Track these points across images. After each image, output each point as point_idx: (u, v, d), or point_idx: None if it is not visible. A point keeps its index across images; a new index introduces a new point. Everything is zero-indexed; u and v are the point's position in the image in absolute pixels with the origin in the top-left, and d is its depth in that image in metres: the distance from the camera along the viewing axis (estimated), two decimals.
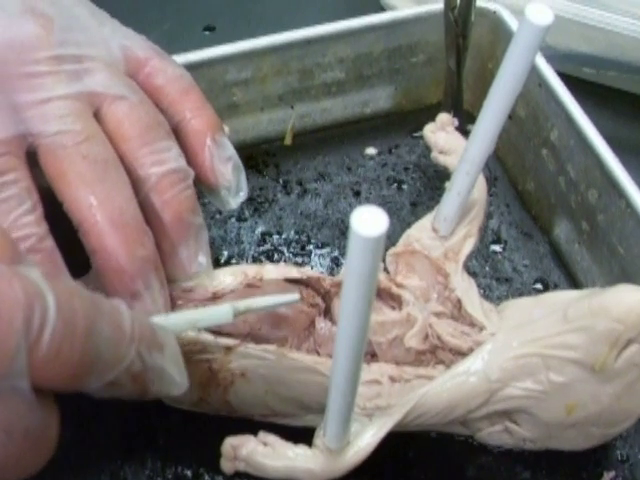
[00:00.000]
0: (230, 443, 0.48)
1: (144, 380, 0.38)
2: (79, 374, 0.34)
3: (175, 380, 0.41)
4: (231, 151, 0.52)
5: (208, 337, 0.49)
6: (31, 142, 0.46)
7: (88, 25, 0.50)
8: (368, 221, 0.30)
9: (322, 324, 0.52)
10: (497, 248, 0.64)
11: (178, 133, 0.51)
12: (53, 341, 0.32)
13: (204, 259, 0.50)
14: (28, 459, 0.34)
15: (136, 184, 0.47)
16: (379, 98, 0.73)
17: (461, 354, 0.50)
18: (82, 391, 0.35)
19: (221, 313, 0.44)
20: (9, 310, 0.31)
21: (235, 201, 0.52)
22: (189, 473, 0.52)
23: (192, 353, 0.49)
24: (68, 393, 0.35)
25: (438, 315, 0.52)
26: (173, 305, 0.49)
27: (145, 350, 0.37)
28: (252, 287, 0.51)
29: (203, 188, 0.52)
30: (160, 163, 0.48)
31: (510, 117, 0.67)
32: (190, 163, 0.50)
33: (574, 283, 0.63)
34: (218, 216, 0.65)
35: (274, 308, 0.49)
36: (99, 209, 0.45)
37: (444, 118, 0.61)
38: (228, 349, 0.49)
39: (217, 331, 0.50)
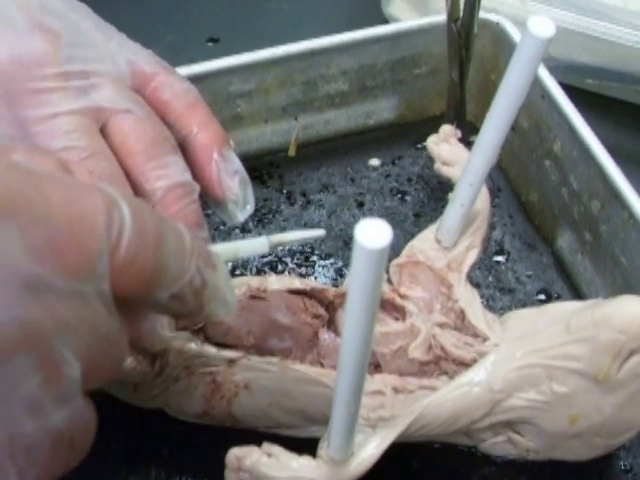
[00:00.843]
0: (234, 454, 0.48)
1: (202, 296, 0.39)
2: (151, 282, 0.35)
3: (227, 300, 0.41)
4: (238, 165, 0.52)
5: (212, 350, 0.49)
6: None
7: (95, 40, 0.50)
8: (372, 233, 0.31)
9: (326, 335, 0.52)
10: (500, 259, 0.64)
11: (185, 147, 0.51)
12: (129, 247, 0.33)
13: None
14: (107, 364, 0.35)
15: (141, 198, 0.48)
16: (382, 109, 0.73)
17: (464, 365, 0.50)
18: (152, 303, 0.37)
19: (259, 245, 0.46)
20: (92, 215, 0.32)
21: (242, 214, 0.53)
22: None
23: (196, 366, 0.50)
24: (139, 302, 0.36)
25: (441, 326, 0.52)
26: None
27: (203, 266, 0.38)
28: (256, 298, 0.51)
29: (210, 202, 0.53)
30: (166, 177, 0.48)
31: (513, 128, 0.67)
32: (197, 177, 0.51)
33: (577, 294, 0.63)
34: (222, 227, 0.65)
35: (304, 241, 0.51)
36: None
37: (447, 130, 0.61)
38: (231, 361, 0.49)
39: (221, 343, 0.50)
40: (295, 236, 0.48)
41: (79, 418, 0.33)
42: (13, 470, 0.30)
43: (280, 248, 0.64)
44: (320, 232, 0.49)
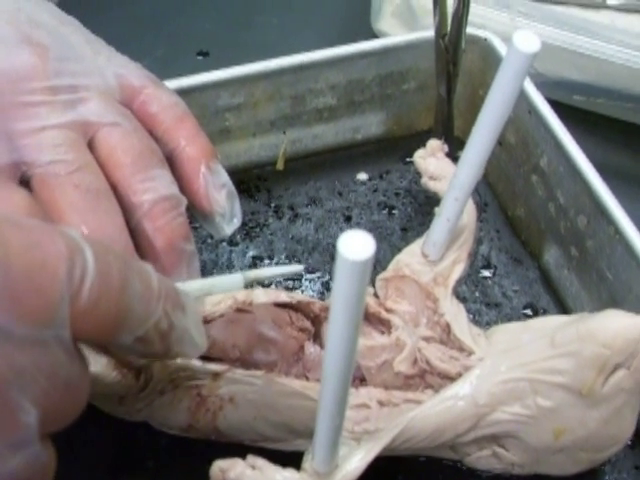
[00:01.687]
0: (218, 466, 0.47)
1: (169, 339, 0.39)
2: (114, 326, 0.35)
3: (195, 341, 0.41)
4: (225, 178, 0.53)
5: (197, 363, 0.49)
6: (24, 171, 0.46)
7: (83, 54, 0.50)
8: (355, 245, 0.31)
9: (311, 349, 0.52)
10: (487, 273, 0.65)
11: (172, 160, 0.51)
12: (92, 293, 0.33)
13: None
14: (67, 409, 0.35)
15: (129, 211, 0.48)
16: (370, 124, 0.73)
17: (450, 378, 0.50)
18: (115, 346, 0.37)
19: (233, 281, 0.46)
20: (53, 261, 0.32)
21: (229, 228, 0.53)
22: None
23: (181, 379, 0.50)
24: (101, 346, 0.37)
25: (427, 340, 0.52)
26: None
27: (170, 309, 0.38)
28: (242, 311, 0.51)
29: (197, 215, 0.53)
30: (153, 190, 0.48)
31: (500, 143, 0.67)
32: (184, 190, 0.51)
33: (563, 308, 0.63)
34: (209, 240, 0.65)
35: (281, 277, 0.51)
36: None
37: (434, 144, 0.62)
38: (216, 375, 0.49)
39: (206, 357, 0.50)
40: (272, 272, 0.48)
41: (36, 462, 0.33)
42: None
43: (267, 261, 0.64)
44: (298, 267, 0.49)
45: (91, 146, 0.48)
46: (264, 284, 0.62)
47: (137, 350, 0.38)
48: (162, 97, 0.52)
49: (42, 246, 0.32)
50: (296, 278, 0.63)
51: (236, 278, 0.46)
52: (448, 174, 0.58)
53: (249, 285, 0.46)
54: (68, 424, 0.35)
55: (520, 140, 0.66)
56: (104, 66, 0.51)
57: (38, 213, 0.39)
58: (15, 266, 0.31)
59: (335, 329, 0.34)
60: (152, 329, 0.37)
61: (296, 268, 0.49)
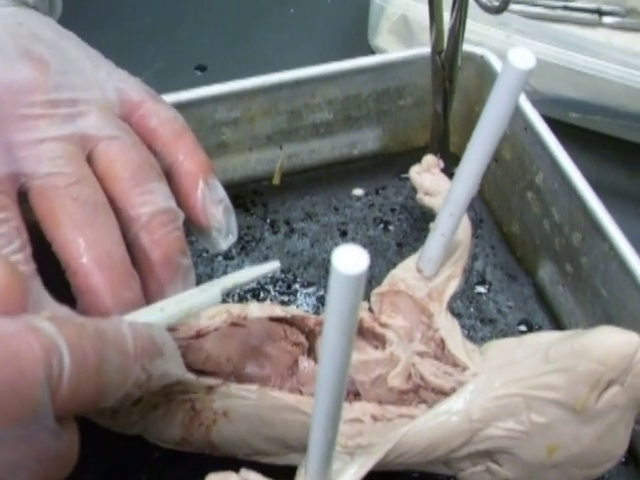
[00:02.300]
0: None
1: (149, 386, 0.40)
2: (94, 401, 0.36)
3: (173, 375, 0.43)
4: (222, 193, 0.53)
5: (191, 377, 0.49)
6: (23, 182, 0.46)
7: (83, 68, 0.51)
8: (349, 259, 0.31)
9: (305, 363, 0.52)
10: (482, 289, 0.65)
11: (170, 175, 0.52)
12: (71, 383, 0.34)
13: None
14: (56, 474, 0.36)
15: (126, 224, 0.48)
16: (367, 140, 0.73)
17: (444, 394, 0.50)
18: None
19: (210, 297, 0.46)
20: (31, 367, 0.33)
21: (225, 243, 0.53)
22: None
23: (174, 393, 0.50)
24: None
25: (421, 355, 0.52)
26: None
27: (148, 362, 0.39)
28: (237, 326, 0.51)
29: (194, 230, 0.53)
30: (151, 203, 0.48)
31: (496, 160, 0.68)
32: (182, 205, 0.51)
33: (558, 325, 0.63)
34: (205, 254, 0.65)
35: (258, 279, 0.52)
36: (87, 251, 0.45)
37: (430, 160, 0.62)
38: (210, 389, 0.49)
39: (200, 370, 0.50)
40: (248, 275, 0.49)
41: None
42: None
43: (263, 277, 0.64)
44: (274, 265, 0.50)
45: (90, 159, 0.49)
46: (259, 298, 0.62)
47: (120, 402, 0.39)
48: (161, 112, 0.53)
49: (19, 355, 0.33)
50: (291, 293, 0.63)
51: (212, 293, 0.47)
52: (443, 190, 0.59)
53: (226, 294, 0.47)
54: None
55: (516, 157, 0.66)
56: (104, 80, 0.51)
57: (16, 291, 0.37)
58: None
59: (329, 343, 0.34)
60: (131, 388, 0.39)
61: (272, 266, 0.50)
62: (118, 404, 0.39)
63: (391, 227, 0.69)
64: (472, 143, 0.48)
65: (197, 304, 0.46)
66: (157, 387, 0.42)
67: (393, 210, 0.70)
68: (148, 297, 0.48)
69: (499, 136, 0.47)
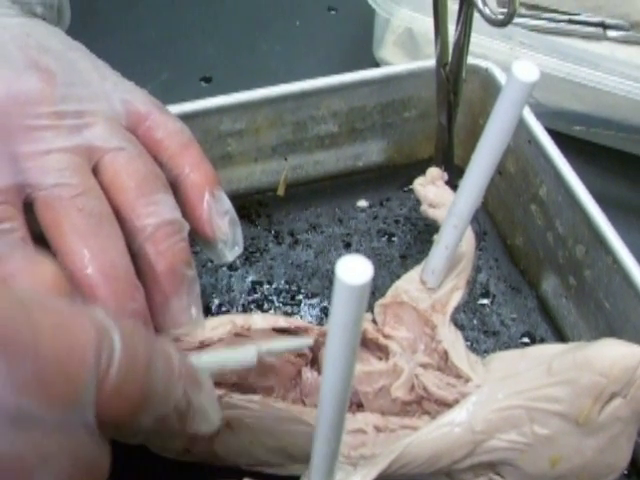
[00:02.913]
0: None
1: (186, 418, 0.39)
2: (137, 409, 0.35)
3: (211, 418, 0.42)
4: (228, 205, 0.53)
5: None
6: (29, 193, 0.46)
7: (90, 79, 0.51)
8: (353, 270, 0.31)
9: (309, 374, 0.52)
10: (485, 302, 0.65)
11: (176, 187, 0.52)
12: (118, 377, 0.33)
13: (195, 311, 0.50)
14: None
15: (131, 235, 0.48)
16: (371, 152, 0.73)
17: (447, 405, 0.50)
18: (134, 428, 0.37)
19: (246, 357, 0.45)
20: (82, 346, 0.32)
21: (231, 254, 0.53)
22: None
23: None
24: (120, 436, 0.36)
25: (424, 366, 0.52)
26: None
27: (189, 388, 0.39)
28: (240, 336, 0.51)
29: (199, 241, 0.53)
30: (156, 214, 0.48)
31: (500, 173, 0.68)
32: (188, 216, 0.51)
33: (561, 337, 0.63)
34: (209, 264, 0.65)
35: (290, 350, 0.51)
36: (92, 261, 0.45)
37: (434, 172, 0.62)
38: None
39: None
40: (283, 345, 0.49)
41: None
42: None
43: (267, 286, 0.64)
44: (308, 341, 0.50)
45: (96, 170, 0.49)
46: (263, 308, 0.62)
47: (156, 428, 0.38)
48: (167, 123, 0.53)
49: (71, 331, 0.32)
50: (295, 304, 0.64)
51: (250, 354, 0.46)
52: (447, 202, 0.59)
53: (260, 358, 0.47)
54: None
55: (520, 170, 0.66)
56: (111, 91, 0.51)
57: (64, 287, 0.39)
58: (44, 351, 0.31)
59: (332, 353, 0.35)
60: (172, 410, 0.38)
61: (306, 342, 0.50)
62: (149, 429, 0.37)
63: (395, 239, 0.69)
64: (476, 155, 0.48)
65: (232, 359, 0.46)
66: (190, 431, 0.41)
67: (397, 222, 0.70)
68: (152, 308, 0.48)
69: (503, 148, 0.47)
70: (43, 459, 0.31)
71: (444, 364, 0.52)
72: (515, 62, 0.43)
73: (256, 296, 0.64)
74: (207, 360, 0.44)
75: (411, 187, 0.64)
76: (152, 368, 0.35)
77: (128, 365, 0.34)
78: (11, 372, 0.30)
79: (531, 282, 0.66)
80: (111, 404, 0.34)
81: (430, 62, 0.65)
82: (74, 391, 0.32)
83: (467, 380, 0.51)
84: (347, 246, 0.68)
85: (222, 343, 0.50)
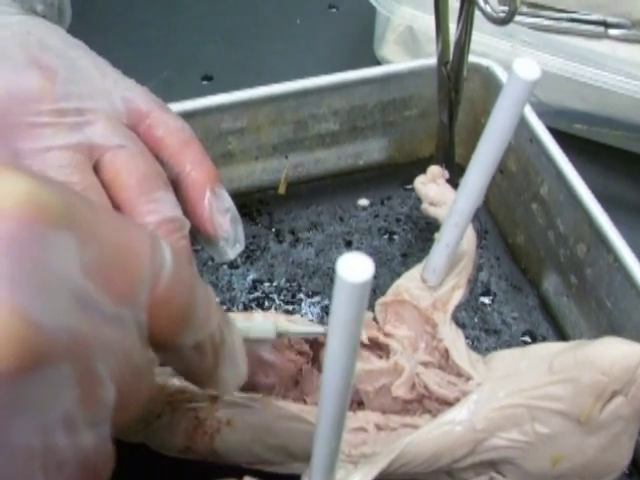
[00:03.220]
0: None
1: (220, 354, 0.40)
2: (182, 323, 0.36)
3: (239, 366, 0.43)
4: (229, 203, 0.53)
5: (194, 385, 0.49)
6: None
7: (91, 77, 0.51)
8: (354, 267, 0.31)
9: (310, 372, 0.52)
10: (486, 300, 0.65)
11: (178, 184, 0.52)
12: (168, 284, 0.35)
13: None
14: (135, 400, 0.36)
15: None
16: (372, 150, 0.73)
17: (448, 404, 0.50)
18: (175, 350, 0.37)
19: (267, 329, 0.48)
20: (139, 245, 0.34)
21: (232, 252, 0.53)
22: None
23: (179, 402, 0.50)
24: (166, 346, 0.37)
25: (425, 365, 0.52)
26: None
27: (223, 325, 0.40)
28: None
29: (200, 239, 0.53)
30: (157, 212, 0.48)
31: (501, 171, 0.68)
32: (189, 214, 0.51)
33: (562, 336, 0.63)
34: (210, 263, 0.65)
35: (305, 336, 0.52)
36: None
37: (435, 170, 0.62)
38: (214, 397, 0.49)
39: None
40: (300, 329, 0.50)
41: (104, 447, 0.34)
42: None
43: (267, 285, 0.64)
44: (321, 329, 0.51)
45: (97, 168, 0.48)
46: (263, 307, 0.62)
47: (191, 360, 0.39)
48: (169, 121, 0.53)
49: (130, 231, 0.34)
50: (295, 302, 0.64)
51: (269, 327, 0.48)
52: (448, 200, 0.59)
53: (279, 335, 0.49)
54: (133, 417, 0.36)
55: (521, 168, 0.66)
56: (111, 89, 0.51)
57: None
58: (107, 244, 0.33)
59: (333, 351, 0.34)
60: (209, 338, 0.39)
61: (320, 330, 0.51)
62: (188, 357, 0.38)
63: (396, 237, 0.69)
64: (477, 153, 0.48)
65: (254, 328, 0.48)
66: (219, 380, 0.41)
67: (398, 220, 0.70)
68: None
69: (504, 146, 0.47)
70: (102, 345, 0.32)
71: (445, 362, 0.52)
72: (516, 60, 0.43)
73: (257, 294, 0.64)
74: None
75: (412, 185, 0.64)
76: (195, 287, 0.37)
77: (177, 276, 0.35)
78: (79, 252, 0.31)
79: (532, 281, 0.66)
80: (160, 313, 0.35)
81: (431, 60, 0.65)
82: (130, 286, 0.33)
83: (468, 378, 0.51)
84: (348, 244, 0.68)
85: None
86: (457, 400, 0.50)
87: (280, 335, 0.49)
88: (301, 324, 0.51)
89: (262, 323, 0.49)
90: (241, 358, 0.43)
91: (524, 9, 0.82)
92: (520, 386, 0.48)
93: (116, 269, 0.33)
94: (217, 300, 0.40)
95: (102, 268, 0.32)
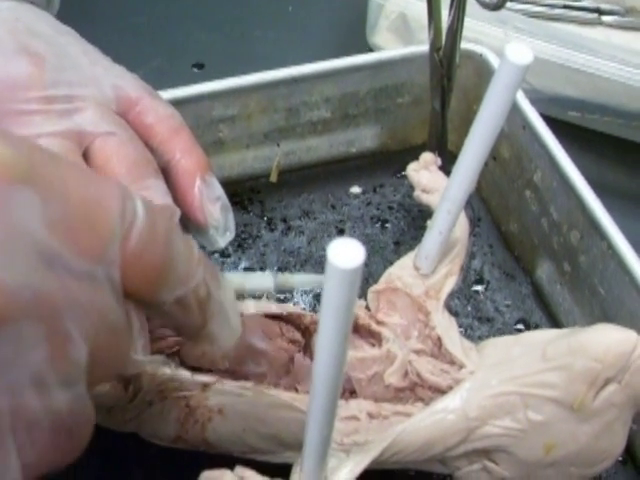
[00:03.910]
0: (206, 477, 0.47)
1: (207, 309, 0.39)
2: (158, 279, 0.36)
3: (231, 322, 0.42)
4: (220, 191, 0.52)
5: (185, 374, 0.49)
6: None
7: (81, 64, 0.50)
8: (345, 253, 0.30)
9: (301, 361, 0.52)
10: (479, 288, 0.64)
11: (168, 172, 0.51)
12: (140, 239, 0.34)
13: None
14: (111, 360, 0.35)
15: None
16: (365, 138, 0.73)
17: (440, 392, 0.50)
18: (156, 307, 0.37)
19: (265, 280, 0.47)
20: (107, 200, 0.33)
21: (223, 240, 0.53)
22: None
23: (169, 390, 0.49)
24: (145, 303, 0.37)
25: (418, 353, 0.52)
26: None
27: (209, 278, 0.39)
28: None
29: (191, 227, 0.52)
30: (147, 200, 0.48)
31: (494, 158, 0.67)
32: (179, 202, 0.51)
33: (555, 323, 0.63)
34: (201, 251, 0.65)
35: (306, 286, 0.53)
36: None
37: (427, 157, 0.62)
38: (205, 386, 0.49)
39: (195, 367, 0.50)
40: (299, 279, 0.49)
41: (80, 408, 0.34)
42: (13, 444, 0.31)
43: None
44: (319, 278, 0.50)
45: (86, 155, 0.48)
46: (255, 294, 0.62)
47: (175, 316, 0.38)
48: (158, 109, 0.52)
49: (99, 186, 0.34)
50: (287, 290, 0.63)
51: (267, 276, 0.47)
52: (441, 187, 0.58)
53: (279, 289, 0.48)
54: (111, 378, 0.37)
55: (514, 155, 0.66)
56: (101, 76, 0.51)
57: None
58: (73, 199, 0.32)
59: (324, 338, 0.34)
60: (192, 293, 0.38)
61: (319, 279, 0.50)
62: (171, 311, 0.38)
63: (388, 225, 0.68)
64: (469, 139, 0.48)
65: (251, 279, 0.47)
66: (211, 335, 0.41)
67: (390, 208, 0.70)
68: None
69: (497, 132, 0.47)
70: (70, 303, 0.31)
71: (438, 350, 0.52)
72: (508, 45, 0.43)
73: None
74: (228, 276, 0.45)
75: (405, 173, 0.64)
76: (172, 242, 0.36)
77: (149, 230, 0.35)
78: (43, 210, 0.31)
79: (525, 268, 0.66)
80: (133, 268, 0.34)
81: (424, 47, 0.65)
82: (99, 241, 0.33)
83: (461, 366, 0.50)
84: (340, 232, 0.68)
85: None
86: (450, 388, 0.49)
87: (279, 287, 0.48)
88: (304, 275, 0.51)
89: (260, 274, 0.48)
90: (233, 313, 0.42)
91: None
92: (513, 374, 0.48)
93: (83, 224, 0.32)
94: (203, 254, 0.39)
95: (68, 225, 0.32)
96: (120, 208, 0.34)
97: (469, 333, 0.61)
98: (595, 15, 0.81)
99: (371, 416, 0.50)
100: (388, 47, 0.82)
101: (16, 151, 0.31)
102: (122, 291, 0.35)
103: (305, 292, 0.63)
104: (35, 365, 0.31)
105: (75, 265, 0.32)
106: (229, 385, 0.49)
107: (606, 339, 0.46)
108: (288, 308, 0.52)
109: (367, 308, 0.55)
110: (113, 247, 0.33)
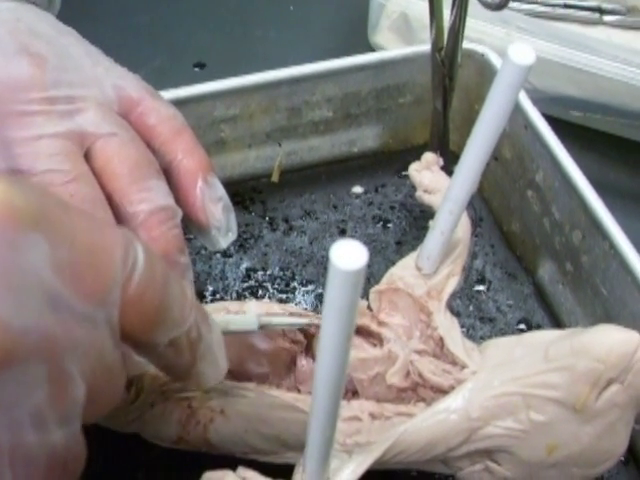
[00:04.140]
0: (208, 478, 0.47)
1: (197, 350, 0.40)
2: (155, 321, 0.37)
3: (218, 363, 0.43)
4: (221, 191, 0.52)
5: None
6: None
7: (82, 65, 0.50)
8: (348, 255, 0.30)
9: (303, 361, 0.52)
10: (481, 288, 0.64)
11: (169, 173, 0.51)
12: (140, 282, 0.35)
13: None
14: (106, 398, 0.36)
15: (124, 221, 0.47)
16: (366, 137, 0.73)
17: (442, 392, 0.50)
18: (150, 347, 0.38)
19: (249, 321, 0.49)
20: (111, 246, 0.35)
21: (225, 241, 0.53)
22: None
23: (171, 391, 0.49)
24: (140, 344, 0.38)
25: (420, 353, 0.51)
26: None
27: (200, 321, 0.40)
28: None
29: (193, 228, 0.52)
30: (149, 201, 0.48)
31: (496, 158, 0.67)
32: (181, 203, 0.51)
33: (558, 324, 0.63)
34: (203, 251, 0.65)
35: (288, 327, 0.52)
36: None
37: (429, 157, 0.61)
38: None
39: None
40: (284, 320, 0.51)
41: (74, 444, 0.35)
42: (10, 479, 0.31)
43: (261, 273, 0.64)
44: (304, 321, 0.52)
45: (88, 156, 0.48)
46: (257, 295, 0.62)
47: (167, 357, 0.39)
48: (160, 109, 0.52)
49: (103, 232, 0.35)
50: (289, 290, 0.63)
51: (251, 317, 0.49)
52: (443, 187, 0.58)
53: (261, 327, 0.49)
54: (103, 414, 0.37)
55: (516, 155, 0.66)
56: (103, 77, 0.51)
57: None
58: (79, 245, 0.33)
59: (327, 339, 0.34)
60: (185, 335, 0.39)
61: (303, 320, 0.51)
62: (163, 353, 0.39)
63: (390, 225, 0.68)
64: (472, 139, 0.48)
65: (235, 321, 0.48)
66: (198, 374, 0.42)
67: (392, 208, 0.70)
68: None
69: (499, 132, 0.47)
70: (72, 344, 0.32)
71: (440, 351, 0.52)
72: (511, 45, 0.42)
73: (250, 283, 0.64)
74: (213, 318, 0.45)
75: (406, 173, 0.64)
76: (169, 286, 0.37)
77: (149, 274, 0.36)
78: (50, 253, 0.32)
79: (527, 268, 0.66)
80: (132, 310, 0.35)
81: (425, 47, 0.65)
82: (102, 286, 0.34)
83: (463, 367, 0.50)
84: (342, 232, 0.68)
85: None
86: (452, 388, 0.49)
87: (263, 327, 0.49)
88: (291, 313, 0.51)
89: (243, 316, 0.49)
90: (220, 354, 0.43)
91: None
92: (515, 374, 0.48)
93: (88, 269, 0.33)
94: (195, 298, 0.40)
95: (73, 268, 0.33)
96: (123, 254, 0.35)
97: (471, 333, 0.61)
98: (596, 14, 0.81)
99: (373, 417, 0.50)
100: (390, 47, 0.82)
101: (27, 196, 0.32)
102: (119, 333, 0.36)
103: (307, 292, 0.63)
104: (36, 403, 0.32)
105: (78, 308, 0.33)
106: (231, 386, 0.49)
107: (608, 340, 0.46)
108: (290, 309, 0.52)
109: (369, 308, 0.55)
110: (114, 291, 0.34)
